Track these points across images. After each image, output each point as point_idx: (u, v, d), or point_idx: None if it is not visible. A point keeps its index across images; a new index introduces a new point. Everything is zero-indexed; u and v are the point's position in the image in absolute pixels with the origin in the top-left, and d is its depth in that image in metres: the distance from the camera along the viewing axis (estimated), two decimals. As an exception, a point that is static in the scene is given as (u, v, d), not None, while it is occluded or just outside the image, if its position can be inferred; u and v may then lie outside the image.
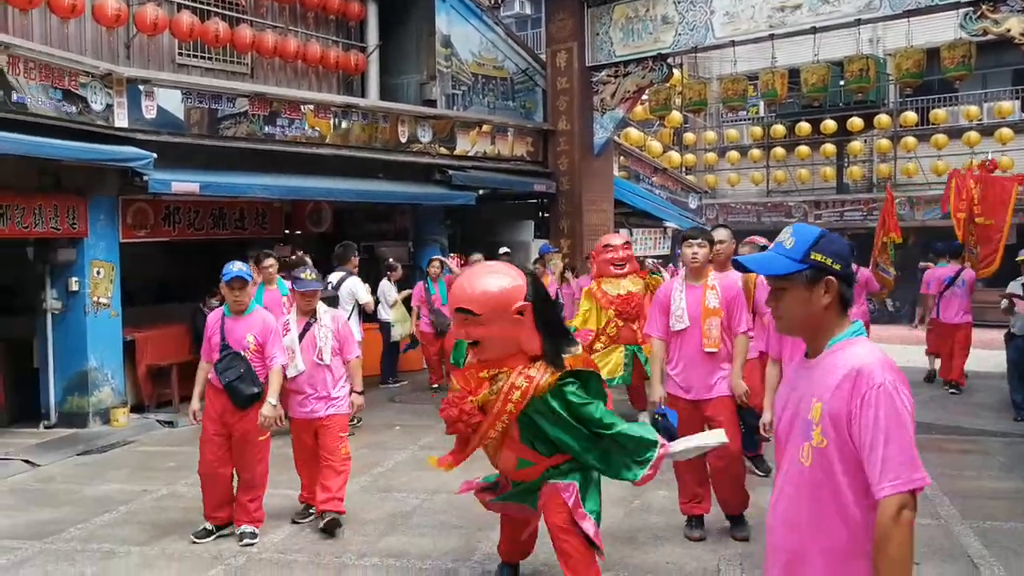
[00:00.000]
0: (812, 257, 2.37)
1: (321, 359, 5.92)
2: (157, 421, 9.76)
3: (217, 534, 5.80)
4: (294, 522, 6.09)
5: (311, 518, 6.12)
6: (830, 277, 2.36)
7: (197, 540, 5.72)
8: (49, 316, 9.46)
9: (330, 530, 5.81)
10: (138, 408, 10.17)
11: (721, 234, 6.40)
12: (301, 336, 5.99)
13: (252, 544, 5.65)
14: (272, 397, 5.63)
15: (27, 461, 8.04)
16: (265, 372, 5.69)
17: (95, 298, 9.46)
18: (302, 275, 6.01)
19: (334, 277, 9.39)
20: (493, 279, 3.99)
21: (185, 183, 9.48)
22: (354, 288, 9.42)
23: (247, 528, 5.76)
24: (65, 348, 9.44)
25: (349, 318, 9.57)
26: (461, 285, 4.01)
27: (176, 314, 10.70)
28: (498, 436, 4.12)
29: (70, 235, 9.28)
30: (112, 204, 9.73)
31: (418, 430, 9.09)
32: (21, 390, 9.64)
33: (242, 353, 5.64)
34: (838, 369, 2.28)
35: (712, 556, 5.38)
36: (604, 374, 8.48)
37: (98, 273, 9.53)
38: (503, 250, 13.87)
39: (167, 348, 10.32)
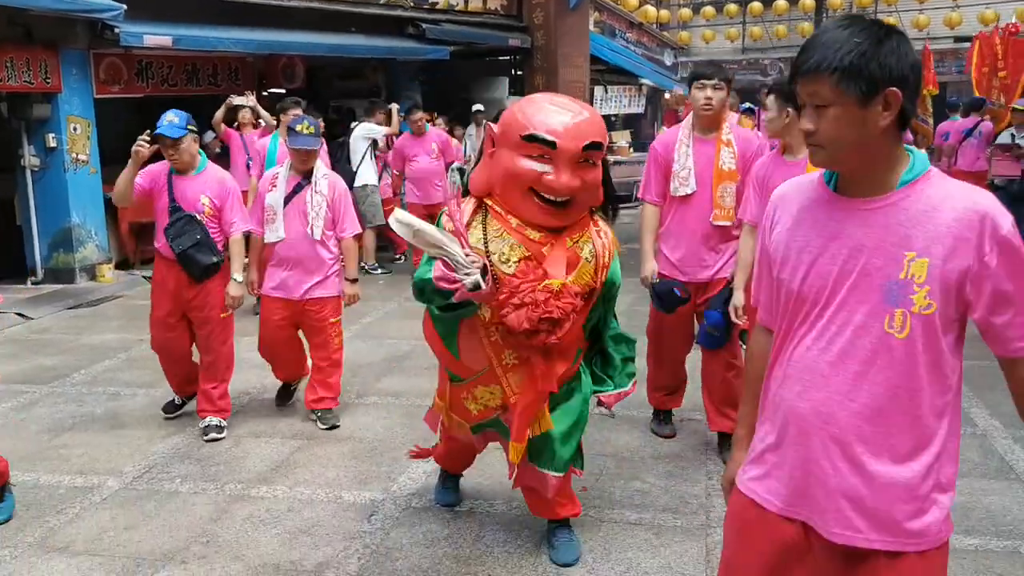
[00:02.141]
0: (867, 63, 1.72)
1: (311, 233, 4.97)
2: (143, 277, 9.91)
3: (186, 406, 5.42)
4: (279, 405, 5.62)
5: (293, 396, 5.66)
6: (893, 88, 1.71)
7: (168, 415, 5.37)
8: (28, 173, 9.46)
9: (330, 427, 5.19)
10: (123, 265, 10.32)
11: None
12: (289, 198, 5.02)
13: (219, 438, 5.02)
14: (237, 272, 4.94)
15: (20, 314, 8.22)
16: (223, 240, 4.96)
17: (74, 154, 9.43)
18: (297, 127, 5.01)
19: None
20: (591, 113, 3.09)
21: (158, 36, 9.34)
22: (368, 129, 9.58)
23: (212, 420, 5.07)
24: (47, 205, 9.48)
25: (361, 162, 9.69)
26: (572, 116, 2.95)
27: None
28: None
29: (44, 90, 9.16)
30: (84, 58, 9.57)
31: (402, 283, 9.34)
32: (5, 247, 9.71)
33: (196, 216, 4.84)
34: (940, 213, 1.73)
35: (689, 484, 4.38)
36: None
37: (75, 129, 9.46)
38: (477, 107, 13.84)
39: (148, 205, 10.29)
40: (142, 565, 3.68)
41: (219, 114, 9.09)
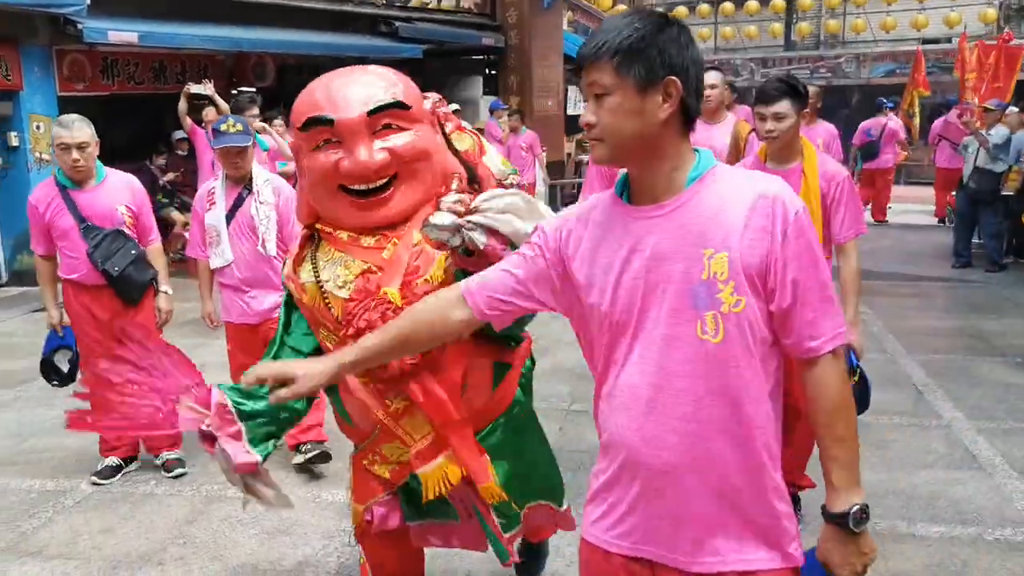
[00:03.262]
0: (646, 47, 1.62)
1: (265, 249, 4.28)
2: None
3: (126, 469, 4.51)
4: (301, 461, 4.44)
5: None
6: (672, 77, 1.63)
7: (99, 480, 4.37)
8: (-10, 174, 9.18)
9: (319, 461, 4.35)
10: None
11: (712, 77, 5.32)
12: (231, 214, 4.32)
13: (184, 472, 4.41)
14: (165, 283, 4.40)
15: (-18, 318, 7.95)
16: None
17: (37, 154, 9.17)
18: (222, 126, 4.29)
19: None
20: (385, 72, 2.39)
21: (123, 32, 9.08)
22: None
23: (170, 454, 4.47)
24: (10, 206, 9.19)
25: None
26: (347, 83, 2.30)
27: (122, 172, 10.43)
28: None
29: (4, 87, 8.90)
30: (46, 55, 9.32)
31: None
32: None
33: (124, 231, 4.24)
34: (731, 205, 1.64)
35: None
36: None
37: (38, 128, 9.20)
38: (452, 107, 13.69)
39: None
40: (119, 568, 3.53)
41: (182, 105, 8.87)
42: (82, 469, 4.48)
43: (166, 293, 4.39)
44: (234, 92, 11.77)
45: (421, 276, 2.26)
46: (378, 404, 2.41)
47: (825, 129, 7.94)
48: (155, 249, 4.42)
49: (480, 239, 2.19)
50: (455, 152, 2.48)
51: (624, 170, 1.77)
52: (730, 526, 1.68)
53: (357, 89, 2.25)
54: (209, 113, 9.30)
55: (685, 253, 1.64)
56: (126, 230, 4.25)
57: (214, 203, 4.33)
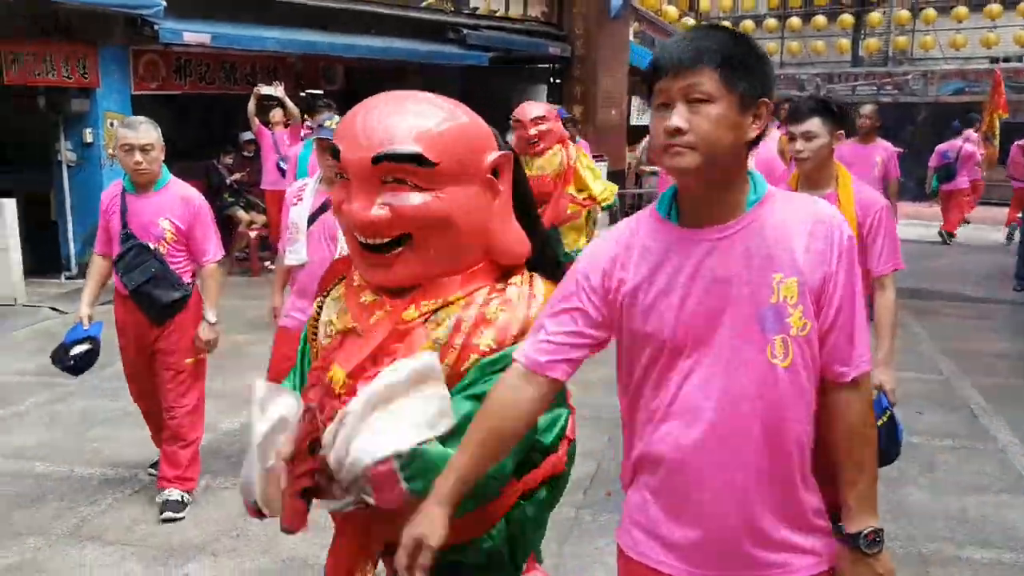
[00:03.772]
0: (754, 64, 1.62)
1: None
2: (176, 274, 9.94)
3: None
4: None
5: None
6: (764, 99, 1.63)
7: (155, 472, 4.34)
8: (65, 168, 9.49)
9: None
10: (156, 261, 10.34)
11: None
12: (315, 215, 3.98)
13: (176, 519, 4.01)
14: (210, 311, 4.08)
15: (54, 308, 8.23)
16: (191, 271, 4.13)
17: (110, 150, 9.45)
18: (327, 122, 4.18)
19: None
20: (436, 109, 1.84)
21: (197, 33, 9.33)
22: None
23: (172, 493, 4.09)
24: (82, 201, 9.50)
25: None
26: (378, 114, 1.82)
27: (190, 170, 10.69)
28: None
29: (81, 85, 9.19)
30: (123, 54, 9.59)
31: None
32: (41, 242, 9.75)
33: (150, 245, 3.98)
34: (793, 228, 1.65)
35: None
36: None
37: (112, 125, 9.47)
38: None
39: (183, 203, 10.38)
40: (173, 556, 3.64)
41: (251, 106, 9.08)
42: (141, 459, 4.61)
43: (207, 321, 4.05)
44: (303, 95, 12.05)
45: (389, 363, 1.78)
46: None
47: (883, 147, 7.87)
48: (207, 272, 4.11)
49: (368, 499, 1.75)
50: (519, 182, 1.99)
51: (669, 188, 1.75)
52: (778, 541, 1.71)
53: (383, 124, 1.77)
54: (276, 115, 9.54)
55: (751, 277, 1.64)
56: (164, 245, 3.99)
57: (301, 199, 4.06)
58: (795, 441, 1.68)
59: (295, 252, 4.02)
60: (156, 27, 8.93)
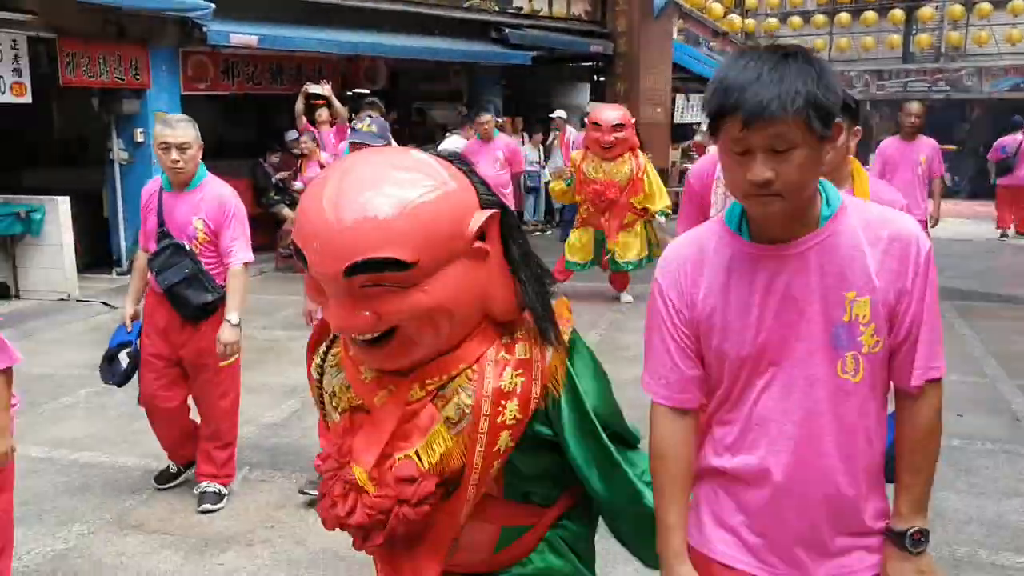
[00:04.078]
0: (825, 95, 1.57)
1: None
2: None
3: (185, 474, 4.39)
4: (303, 492, 4.21)
5: None
6: (838, 120, 1.61)
7: (160, 486, 4.33)
8: (117, 167, 9.75)
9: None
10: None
11: None
12: None
13: (213, 510, 4.08)
14: (233, 313, 3.95)
15: (105, 303, 8.47)
16: (223, 273, 4.05)
17: (160, 149, 9.68)
18: (359, 125, 4.29)
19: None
20: (404, 192, 1.60)
21: (244, 36, 9.55)
22: (454, 143, 9.35)
23: (210, 486, 4.15)
24: (133, 198, 9.68)
25: None
26: (343, 205, 1.57)
27: (237, 168, 10.92)
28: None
29: (133, 86, 9.45)
30: (173, 56, 9.84)
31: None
32: (93, 238, 10.02)
33: (186, 245, 3.98)
34: (861, 246, 1.65)
35: None
36: (576, 257, 8.26)
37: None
38: (558, 113, 13.83)
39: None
40: (210, 545, 3.75)
41: (299, 105, 9.23)
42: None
43: (229, 323, 3.93)
44: (349, 94, 12.20)
45: (407, 446, 1.70)
46: None
47: (929, 145, 7.79)
48: (233, 272, 4.00)
49: None
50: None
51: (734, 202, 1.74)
52: (838, 549, 1.77)
53: (349, 227, 1.55)
54: (323, 114, 9.68)
55: (825, 294, 1.66)
56: (196, 245, 3.98)
57: None
58: (865, 452, 1.73)
59: None
60: (205, 29, 9.18)
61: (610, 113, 8.06)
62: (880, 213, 1.72)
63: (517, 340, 1.75)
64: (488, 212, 1.68)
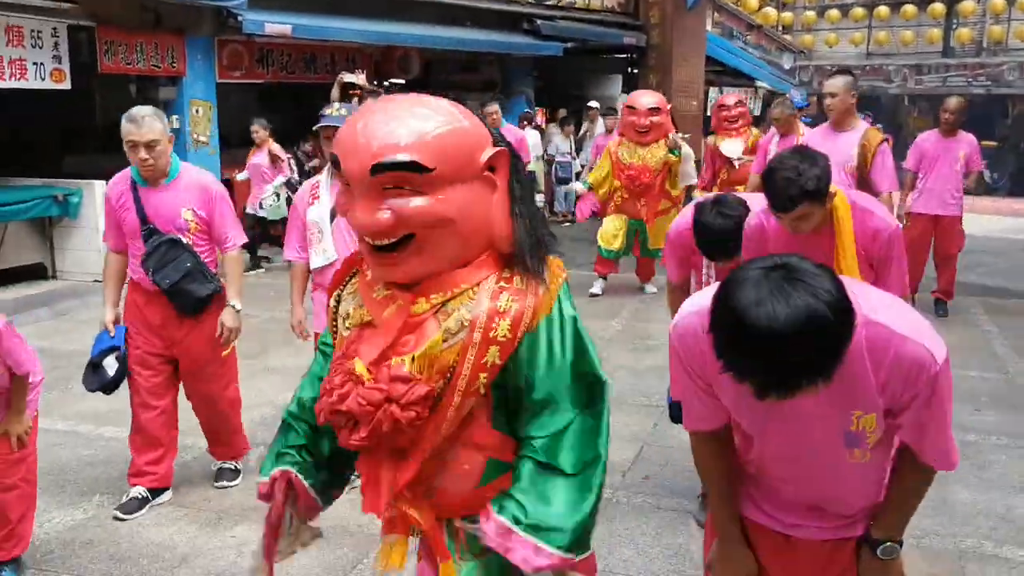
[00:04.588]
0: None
1: None
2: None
3: (152, 503, 4.03)
4: None
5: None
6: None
7: (122, 516, 3.94)
8: (152, 152, 9.95)
9: None
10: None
11: (836, 84, 5.32)
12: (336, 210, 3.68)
13: (231, 486, 4.22)
14: (235, 298, 3.96)
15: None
16: (215, 260, 4.01)
17: (195, 136, 9.88)
18: (327, 110, 4.03)
19: None
20: (430, 115, 1.88)
21: (278, 24, 9.67)
22: None
23: (227, 464, 4.29)
24: (168, 183, 9.97)
25: None
26: (374, 124, 1.86)
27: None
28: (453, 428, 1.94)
29: (169, 74, 9.63)
30: (208, 44, 10.01)
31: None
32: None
33: (182, 239, 3.87)
34: (867, 372, 1.73)
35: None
36: (602, 241, 8.23)
37: (197, 111, 9.91)
38: (591, 104, 13.88)
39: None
40: (224, 519, 3.88)
41: (335, 93, 9.31)
42: (199, 432, 4.87)
43: (233, 308, 3.95)
44: (385, 84, 12.30)
45: (407, 352, 1.86)
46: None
47: (967, 141, 7.67)
48: (231, 257, 4.01)
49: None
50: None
51: None
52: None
53: (379, 134, 1.83)
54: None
55: (830, 411, 1.78)
56: (188, 236, 3.88)
57: (317, 198, 3.94)
58: (871, 496, 1.98)
59: (321, 252, 3.92)
60: (240, 19, 9.32)
61: (646, 98, 8.11)
62: (889, 335, 1.72)
63: (515, 274, 1.94)
64: (498, 148, 1.92)
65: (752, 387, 1.59)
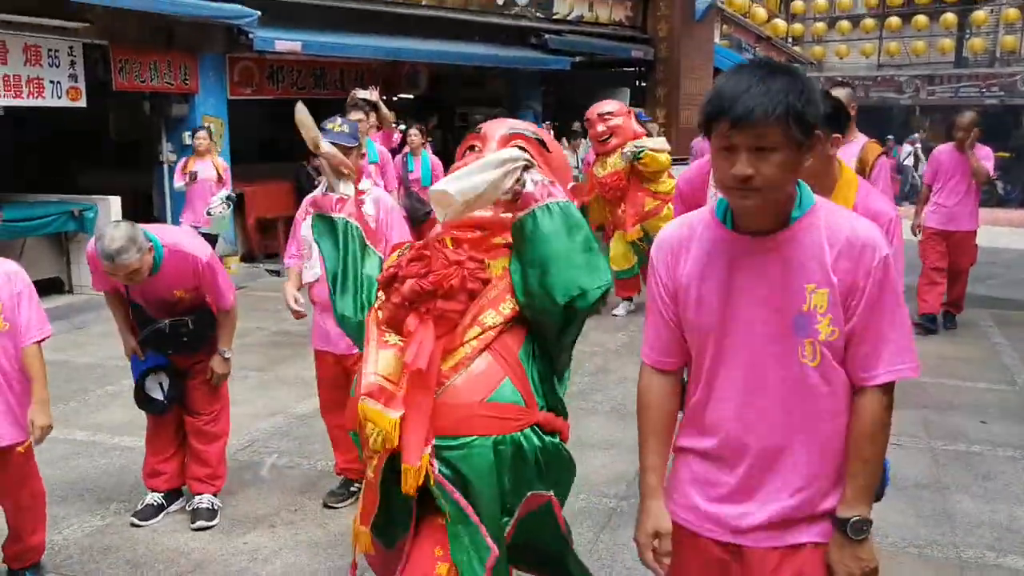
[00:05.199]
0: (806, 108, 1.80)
1: None
2: (265, 270, 10.43)
3: (167, 509, 4.11)
4: (328, 507, 4.17)
5: (351, 500, 4.15)
6: (818, 131, 1.81)
7: (139, 522, 4.00)
8: (166, 168, 10.10)
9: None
10: (248, 258, 10.88)
11: (839, 95, 5.33)
12: None
13: (209, 527, 3.96)
14: (225, 346, 4.03)
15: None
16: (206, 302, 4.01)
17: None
18: (328, 125, 3.93)
19: None
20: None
21: (288, 41, 9.82)
22: None
23: (203, 500, 4.05)
24: (181, 197, 10.07)
25: None
26: None
27: (281, 171, 11.22)
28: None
29: (182, 91, 9.78)
30: (220, 61, 10.16)
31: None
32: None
33: (166, 329, 3.87)
34: (822, 244, 1.83)
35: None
36: (614, 265, 7.78)
37: (209, 128, 10.03)
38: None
39: (273, 202, 10.89)
40: (236, 526, 3.96)
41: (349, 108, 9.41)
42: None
43: (222, 355, 4.01)
44: (394, 99, 12.42)
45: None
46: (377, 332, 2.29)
47: (984, 155, 7.53)
48: (224, 312, 4.00)
49: (534, 179, 2.24)
50: None
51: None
52: (802, 517, 1.93)
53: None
54: (370, 119, 9.82)
55: (787, 284, 1.84)
56: (182, 299, 3.87)
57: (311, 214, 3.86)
58: (824, 432, 1.90)
59: (309, 267, 3.95)
60: (251, 36, 9.47)
61: (596, 107, 7.78)
62: (847, 218, 1.90)
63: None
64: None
65: (725, 110, 1.75)
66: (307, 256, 3.97)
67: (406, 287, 2.18)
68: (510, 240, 2.27)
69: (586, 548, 3.68)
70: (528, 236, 2.18)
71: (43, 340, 3.28)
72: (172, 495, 4.14)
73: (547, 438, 2.25)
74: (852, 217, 1.91)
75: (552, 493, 2.32)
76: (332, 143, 3.70)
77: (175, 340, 3.87)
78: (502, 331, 2.20)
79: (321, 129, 3.76)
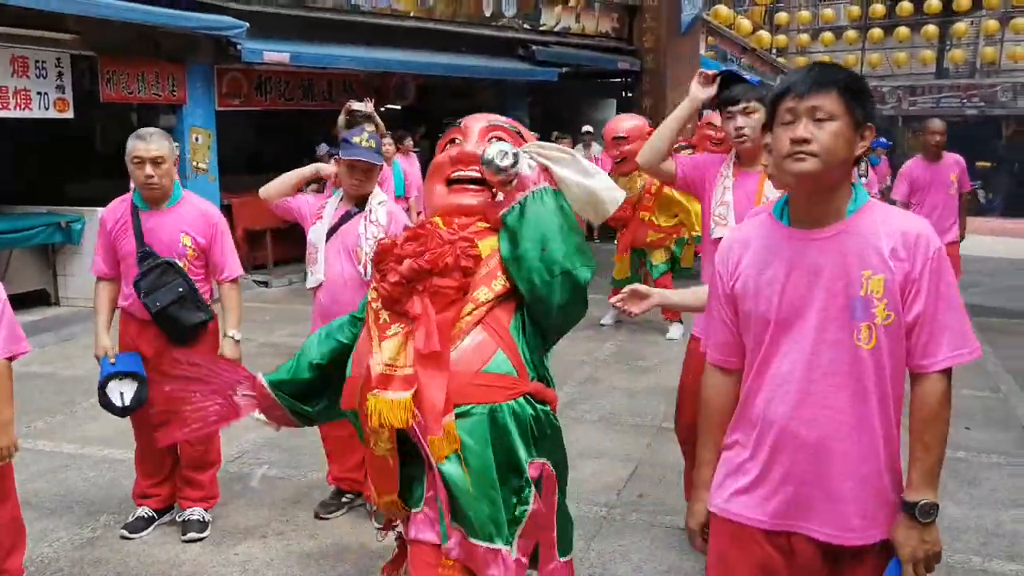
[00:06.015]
0: (866, 92, 2.00)
1: (364, 273, 3.77)
2: (253, 281, 10.40)
3: (158, 521, 4.07)
4: (319, 517, 4.16)
5: (343, 511, 4.19)
6: (870, 124, 1.97)
7: (129, 535, 3.97)
8: (153, 179, 10.06)
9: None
10: (235, 269, 10.85)
11: None
12: (334, 230, 3.92)
13: (200, 538, 3.93)
14: (233, 328, 3.91)
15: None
16: (209, 291, 3.96)
17: (194, 163, 9.99)
18: (354, 138, 3.91)
19: None
20: None
21: (276, 53, 9.81)
22: None
23: (194, 513, 4.00)
24: (169, 210, 10.08)
25: None
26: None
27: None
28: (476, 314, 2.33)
29: (170, 102, 9.75)
30: (208, 73, 10.14)
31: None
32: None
33: (177, 263, 3.78)
34: (879, 236, 1.94)
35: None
36: (621, 276, 7.75)
37: (196, 139, 10.03)
38: (586, 128, 14.03)
39: (262, 213, 10.75)
40: (227, 537, 3.96)
41: (342, 120, 9.40)
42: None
43: (232, 338, 3.88)
44: (381, 110, 12.42)
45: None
46: (375, 322, 2.37)
47: (955, 161, 7.63)
48: (227, 288, 3.95)
49: (530, 163, 2.35)
50: None
51: (780, 195, 2.13)
52: (867, 509, 1.99)
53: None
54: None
55: (845, 272, 1.95)
56: (184, 262, 3.79)
57: (320, 218, 3.96)
58: (880, 416, 1.98)
59: (313, 272, 3.93)
60: (239, 47, 9.44)
61: (616, 125, 7.61)
62: (900, 214, 2.04)
63: None
64: None
65: (790, 87, 1.95)
66: (312, 261, 3.94)
67: (404, 266, 2.30)
68: (491, 222, 2.42)
69: (577, 557, 3.67)
70: (528, 215, 2.32)
71: (14, 357, 3.07)
72: (163, 510, 4.11)
73: (539, 406, 2.38)
74: (904, 214, 2.05)
75: (547, 462, 2.40)
76: (357, 159, 3.85)
77: (172, 283, 3.73)
78: (493, 306, 2.33)
79: (345, 141, 3.95)
